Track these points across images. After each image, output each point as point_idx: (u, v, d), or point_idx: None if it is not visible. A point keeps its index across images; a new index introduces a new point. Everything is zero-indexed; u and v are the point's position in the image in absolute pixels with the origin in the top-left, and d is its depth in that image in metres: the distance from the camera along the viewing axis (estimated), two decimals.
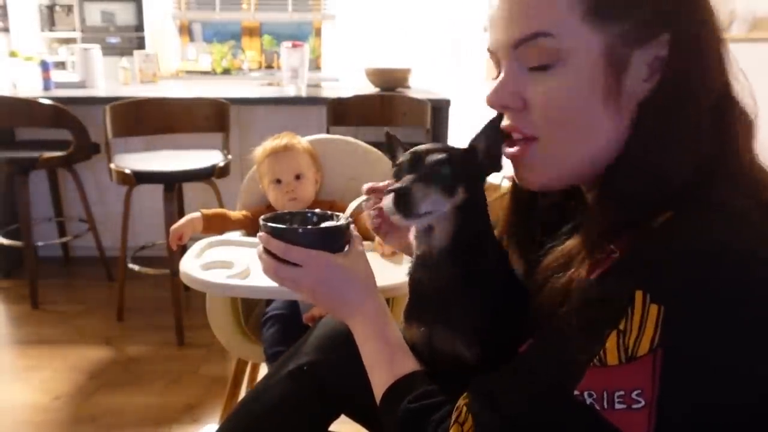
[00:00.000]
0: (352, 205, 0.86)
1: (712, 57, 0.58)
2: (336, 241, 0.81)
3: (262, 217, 0.83)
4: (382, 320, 0.77)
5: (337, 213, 0.89)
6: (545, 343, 0.59)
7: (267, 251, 0.78)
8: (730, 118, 0.59)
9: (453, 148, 0.71)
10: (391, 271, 1.15)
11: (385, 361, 0.73)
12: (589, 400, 0.51)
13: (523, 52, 0.60)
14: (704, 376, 0.49)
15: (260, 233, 0.80)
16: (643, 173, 0.57)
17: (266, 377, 0.96)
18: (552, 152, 0.62)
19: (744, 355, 0.49)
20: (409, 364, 0.72)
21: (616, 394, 0.50)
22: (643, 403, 0.49)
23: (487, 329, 0.71)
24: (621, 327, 0.50)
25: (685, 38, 0.57)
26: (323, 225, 0.87)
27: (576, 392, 0.52)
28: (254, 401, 0.94)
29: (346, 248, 0.81)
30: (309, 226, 0.88)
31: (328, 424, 0.95)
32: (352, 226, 0.84)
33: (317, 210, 0.92)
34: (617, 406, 0.50)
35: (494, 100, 0.64)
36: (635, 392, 0.49)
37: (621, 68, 0.57)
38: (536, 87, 0.60)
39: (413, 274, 0.78)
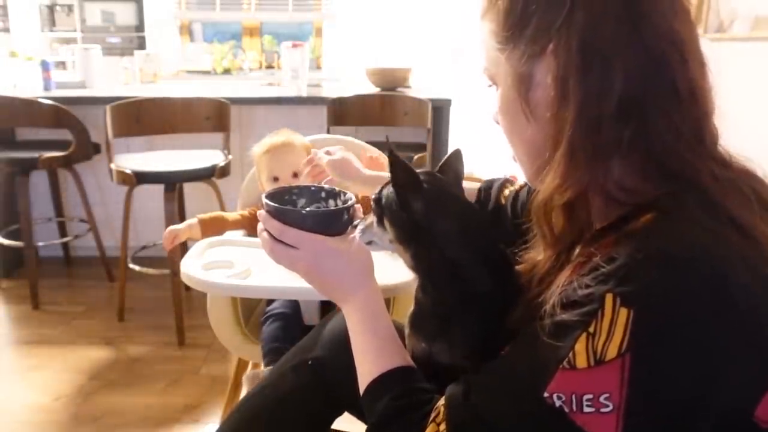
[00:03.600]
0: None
1: (603, 61, 0.56)
2: (336, 224, 0.80)
3: (267, 192, 0.82)
4: (373, 310, 0.77)
5: (345, 191, 0.88)
6: (520, 345, 0.60)
7: (267, 229, 0.79)
8: (670, 117, 0.57)
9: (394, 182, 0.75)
10: (392, 270, 1.15)
11: (373, 354, 0.74)
12: (558, 403, 0.51)
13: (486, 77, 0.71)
14: (671, 383, 0.48)
15: (260, 211, 0.80)
16: (553, 177, 0.59)
17: (271, 372, 0.96)
18: (517, 158, 0.69)
19: (712, 363, 0.48)
20: (396, 359, 0.73)
21: (585, 397, 0.50)
22: (611, 407, 0.49)
23: (485, 343, 0.71)
24: (591, 330, 0.50)
25: (566, 45, 0.57)
26: (323, 208, 0.86)
27: (545, 394, 0.52)
28: (258, 396, 0.94)
29: (348, 230, 0.80)
30: (313, 206, 0.87)
31: (331, 422, 0.94)
32: (356, 207, 0.83)
33: (325, 185, 0.91)
34: (586, 409, 0.50)
35: (492, 118, 0.72)
36: (603, 396, 0.49)
37: (527, 82, 0.62)
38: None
39: (416, 292, 0.79)
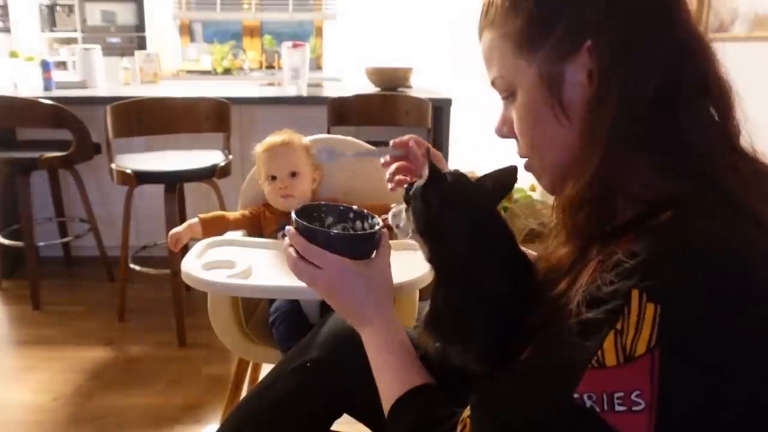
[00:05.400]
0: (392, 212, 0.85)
1: (642, 55, 0.57)
2: (361, 248, 0.80)
3: (295, 209, 0.83)
4: (393, 333, 0.77)
5: (373, 214, 0.88)
6: (544, 347, 0.59)
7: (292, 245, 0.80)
8: (697, 114, 0.58)
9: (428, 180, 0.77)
10: (395, 269, 1.14)
11: (395, 373, 0.74)
12: (588, 403, 0.50)
13: (496, 88, 0.70)
14: (702, 376, 0.48)
15: (288, 227, 0.81)
16: (584, 173, 0.59)
17: (270, 373, 0.96)
18: (537, 164, 0.69)
19: (741, 354, 0.48)
20: (418, 377, 0.73)
21: (616, 395, 0.49)
22: (643, 404, 0.49)
23: (498, 346, 0.71)
24: (618, 327, 0.50)
25: (605, 42, 0.58)
26: (350, 228, 0.88)
27: (575, 395, 0.51)
28: (257, 397, 0.94)
29: (373, 255, 0.81)
30: (340, 225, 0.89)
31: (331, 423, 0.95)
32: (383, 232, 0.83)
33: (354, 207, 0.92)
34: (617, 408, 0.49)
35: (496, 131, 0.72)
36: (635, 393, 0.49)
37: (557, 83, 0.62)
38: (510, 112, 0.69)
39: (431, 291, 0.79)
